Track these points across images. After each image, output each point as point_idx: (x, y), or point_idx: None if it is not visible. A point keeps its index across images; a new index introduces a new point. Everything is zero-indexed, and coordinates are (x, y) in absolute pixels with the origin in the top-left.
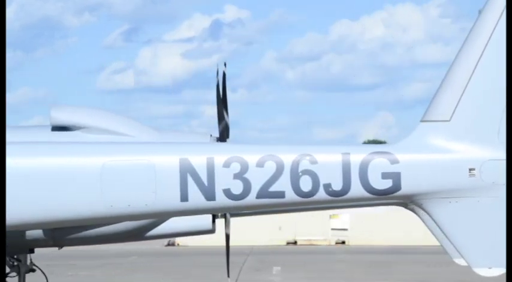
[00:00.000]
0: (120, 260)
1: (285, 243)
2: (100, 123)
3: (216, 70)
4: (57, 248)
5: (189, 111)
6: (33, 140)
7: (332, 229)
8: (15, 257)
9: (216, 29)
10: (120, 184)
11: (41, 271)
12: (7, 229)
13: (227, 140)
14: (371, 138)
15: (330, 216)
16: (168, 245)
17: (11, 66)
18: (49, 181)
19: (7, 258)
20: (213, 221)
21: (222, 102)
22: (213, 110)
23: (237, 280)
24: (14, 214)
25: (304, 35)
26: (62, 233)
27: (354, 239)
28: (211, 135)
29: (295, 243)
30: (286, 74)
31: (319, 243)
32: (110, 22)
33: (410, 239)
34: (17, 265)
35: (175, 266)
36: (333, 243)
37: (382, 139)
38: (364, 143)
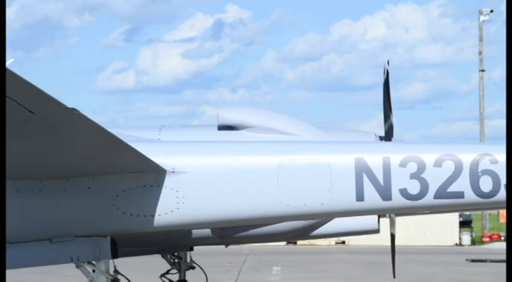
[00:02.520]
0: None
1: (284, 243)
2: (266, 122)
3: (384, 69)
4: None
5: (189, 111)
6: (200, 140)
7: None
8: (175, 254)
9: (217, 29)
10: (296, 183)
11: (201, 269)
12: (184, 228)
13: (392, 139)
14: None
15: None
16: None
17: (11, 67)
18: (226, 180)
19: (168, 256)
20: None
21: (388, 101)
22: (213, 111)
23: (237, 280)
24: (194, 213)
25: (304, 35)
26: (231, 231)
27: (353, 239)
28: (375, 134)
29: (295, 243)
30: (286, 74)
31: (319, 243)
32: (111, 22)
33: (411, 239)
34: (178, 262)
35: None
36: (333, 243)
37: None
38: None
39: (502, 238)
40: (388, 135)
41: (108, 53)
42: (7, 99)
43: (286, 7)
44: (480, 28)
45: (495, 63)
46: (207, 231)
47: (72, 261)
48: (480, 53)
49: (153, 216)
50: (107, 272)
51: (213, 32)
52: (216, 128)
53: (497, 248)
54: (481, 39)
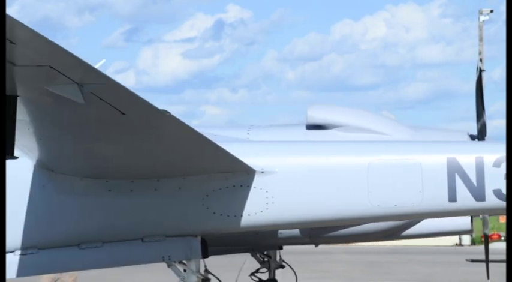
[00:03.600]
0: None
1: None
2: (356, 121)
3: (476, 67)
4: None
5: (189, 111)
6: (289, 139)
7: None
8: (265, 253)
9: (218, 29)
10: (386, 184)
11: (291, 268)
12: (273, 229)
13: (485, 138)
14: None
15: None
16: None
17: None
18: (315, 180)
19: (257, 255)
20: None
21: (481, 100)
22: (213, 110)
23: (237, 280)
24: (283, 213)
25: (305, 35)
26: (320, 231)
27: None
28: (467, 134)
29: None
30: (286, 74)
31: None
32: (111, 22)
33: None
34: (267, 261)
35: None
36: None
37: None
38: None
39: (502, 238)
40: (481, 135)
41: (109, 53)
42: (100, 100)
43: (286, 7)
44: (480, 28)
45: (495, 63)
46: (296, 231)
47: (163, 260)
48: (480, 53)
49: (242, 216)
50: (198, 271)
51: (213, 32)
52: (305, 127)
53: (497, 248)
54: (481, 39)
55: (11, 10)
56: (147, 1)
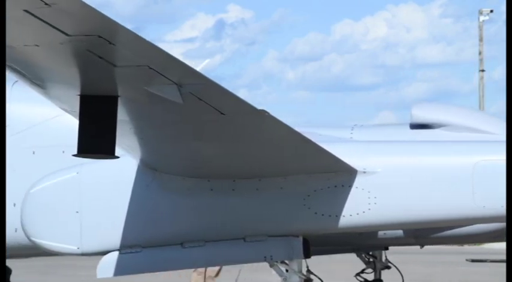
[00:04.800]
0: None
1: None
2: (462, 120)
3: None
4: None
5: None
6: (393, 139)
7: None
8: (370, 253)
9: (218, 29)
10: (493, 185)
11: (397, 269)
12: (375, 229)
13: None
14: None
15: None
16: None
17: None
18: (419, 181)
19: (362, 255)
20: None
21: None
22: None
23: (237, 280)
24: (385, 214)
25: (305, 35)
26: (426, 232)
27: None
28: None
29: None
30: (287, 74)
31: None
32: None
33: None
34: (373, 261)
35: None
36: None
37: None
38: None
39: None
40: None
41: None
42: (199, 100)
43: (287, 7)
44: (480, 28)
45: (495, 63)
46: (400, 231)
47: (265, 260)
48: (480, 53)
49: (344, 216)
50: (300, 271)
51: (214, 32)
52: (409, 127)
53: (497, 248)
54: (481, 39)
55: None
56: (148, 1)
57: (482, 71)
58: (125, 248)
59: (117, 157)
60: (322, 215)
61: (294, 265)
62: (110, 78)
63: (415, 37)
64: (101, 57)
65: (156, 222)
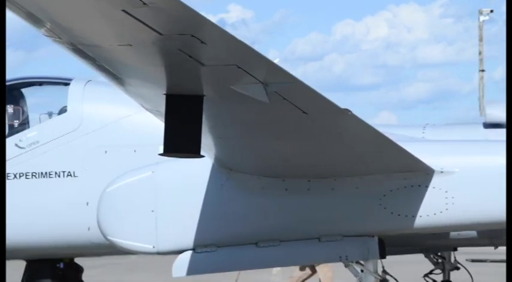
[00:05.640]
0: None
1: None
2: None
3: None
4: None
5: None
6: (466, 138)
7: None
8: (439, 254)
9: None
10: None
11: (466, 270)
12: (452, 230)
13: None
14: None
15: None
16: None
17: (13, 66)
18: (496, 181)
19: (431, 256)
20: None
21: None
22: None
23: (237, 280)
24: (463, 215)
25: (306, 35)
26: (501, 232)
27: None
28: None
29: None
30: None
31: None
32: None
33: None
34: (442, 262)
35: None
36: None
37: None
38: None
39: None
40: None
41: None
42: (283, 100)
43: (288, 7)
44: (480, 28)
45: (495, 63)
46: (474, 232)
47: (340, 260)
48: (480, 53)
49: (421, 216)
50: (375, 272)
51: None
52: (482, 126)
53: (497, 248)
54: (481, 39)
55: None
56: None
57: (482, 71)
58: (200, 247)
59: (202, 156)
60: (399, 215)
61: (370, 265)
62: (197, 78)
63: (416, 37)
64: (190, 56)
65: (231, 222)
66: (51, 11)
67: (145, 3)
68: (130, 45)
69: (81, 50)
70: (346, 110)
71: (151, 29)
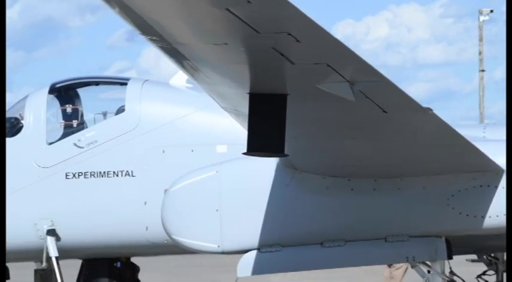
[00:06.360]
0: None
1: None
2: None
3: None
4: None
5: None
6: None
7: None
8: (492, 255)
9: None
10: None
11: None
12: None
13: None
14: None
15: None
16: None
17: (13, 66)
18: None
19: (484, 256)
20: None
21: None
22: None
23: (236, 280)
24: None
25: None
26: None
27: None
28: None
29: None
30: None
31: None
32: (114, 22)
33: None
34: (495, 263)
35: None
36: None
37: None
38: None
39: None
40: None
41: (111, 53)
42: (365, 98)
43: None
44: (480, 28)
45: (495, 63)
46: None
47: (407, 261)
48: (480, 53)
49: (490, 217)
50: (443, 273)
51: None
52: None
53: None
54: (481, 39)
55: (13, 10)
56: None
57: (483, 71)
58: (265, 246)
59: (287, 155)
60: (467, 215)
61: (437, 266)
62: (284, 76)
63: (416, 37)
64: (282, 55)
65: (296, 221)
66: (153, 10)
67: (249, 1)
68: (226, 44)
69: (175, 49)
70: (428, 109)
71: (251, 27)
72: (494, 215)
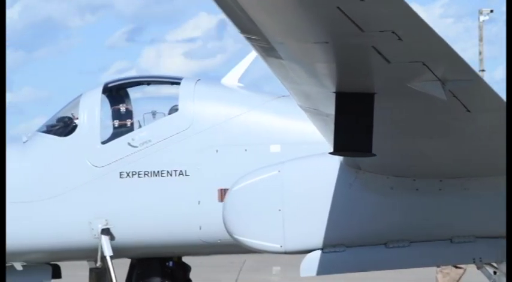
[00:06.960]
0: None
1: None
2: None
3: None
4: None
5: None
6: None
7: None
8: None
9: (221, 29)
10: None
11: None
12: None
13: None
14: None
15: None
16: None
17: (13, 66)
18: None
19: None
20: None
21: None
22: None
23: (237, 280)
24: None
25: None
26: None
27: None
28: None
29: None
30: None
31: None
32: (114, 22)
33: None
34: None
35: None
36: None
37: None
38: None
39: None
40: None
41: (111, 53)
42: (452, 97)
43: None
44: (480, 28)
45: (495, 63)
46: None
47: (473, 262)
48: (480, 53)
49: None
50: None
51: (216, 32)
52: None
53: None
54: (481, 39)
55: (13, 10)
56: (149, 1)
57: (482, 71)
58: (328, 247)
59: (374, 155)
60: None
61: (503, 267)
62: (376, 75)
63: None
64: (380, 53)
65: (359, 222)
66: (260, 8)
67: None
68: (327, 43)
69: (272, 48)
70: None
71: (356, 25)
72: None
